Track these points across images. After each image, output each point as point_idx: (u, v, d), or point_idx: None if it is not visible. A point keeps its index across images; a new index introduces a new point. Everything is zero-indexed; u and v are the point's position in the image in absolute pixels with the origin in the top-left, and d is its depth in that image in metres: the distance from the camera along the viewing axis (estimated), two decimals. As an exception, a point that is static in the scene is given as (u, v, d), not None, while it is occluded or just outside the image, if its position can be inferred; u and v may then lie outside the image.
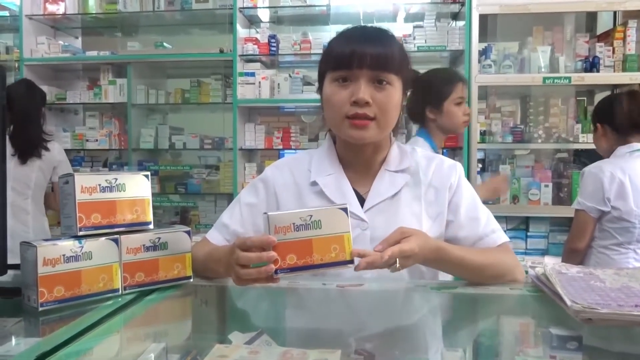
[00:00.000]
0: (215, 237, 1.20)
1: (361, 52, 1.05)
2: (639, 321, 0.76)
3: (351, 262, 0.91)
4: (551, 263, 1.01)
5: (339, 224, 0.90)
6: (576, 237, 2.24)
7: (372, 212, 1.14)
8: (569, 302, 0.80)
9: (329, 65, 1.11)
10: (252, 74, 3.26)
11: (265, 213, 0.89)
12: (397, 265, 0.93)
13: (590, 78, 2.98)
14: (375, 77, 1.07)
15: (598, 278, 0.92)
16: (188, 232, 1.04)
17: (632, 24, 2.98)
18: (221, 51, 3.27)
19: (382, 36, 1.10)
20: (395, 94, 1.09)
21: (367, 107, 1.06)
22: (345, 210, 0.91)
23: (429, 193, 1.17)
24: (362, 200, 1.15)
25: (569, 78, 2.97)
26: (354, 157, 1.19)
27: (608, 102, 2.36)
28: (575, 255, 2.24)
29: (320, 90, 1.17)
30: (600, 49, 3.01)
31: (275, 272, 0.87)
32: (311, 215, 0.89)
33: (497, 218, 1.20)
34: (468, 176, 2.96)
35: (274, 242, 0.86)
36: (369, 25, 1.16)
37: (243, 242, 0.89)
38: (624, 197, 2.13)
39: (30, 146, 2.67)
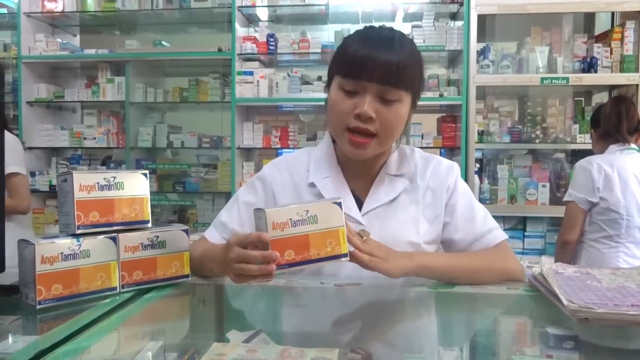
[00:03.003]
0: (214, 235, 1.20)
1: (372, 64, 1.00)
2: (635, 321, 0.76)
3: (346, 255, 0.93)
4: (548, 263, 1.01)
5: (334, 218, 0.91)
6: (567, 229, 2.29)
7: (369, 216, 1.13)
8: (565, 302, 0.80)
9: (339, 69, 1.07)
10: (251, 73, 3.25)
11: (261, 209, 0.89)
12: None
13: (588, 79, 2.99)
14: (382, 92, 1.03)
15: (595, 278, 0.92)
16: (186, 231, 1.04)
17: (630, 24, 2.99)
18: (220, 50, 3.27)
19: (397, 45, 1.03)
20: (402, 110, 1.06)
21: (369, 122, 1.03)
22: (339, 204, 0.92)
23: (426, 196, 1.17)
24: (360, 204, 1.15)
25: (567, 78, 2.98)
26: (353, 160, 1.17)
27: (598, 108, 2.43)
28: (567, 248, 2.29)
29: (327, 88, 1.14)
30: (598, 50, 3.02)
31: None
32: (307, 211, 0.89)
33: (494, 218, 1.20)
34: (466, 176, 2.96)
35: (268, 241, 0.86)
36: (386, 27, 1.09)
37: (241, 240, 0.89)
38: (611, 188, 2.19)
39: None
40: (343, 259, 0.92)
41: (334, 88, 1.08)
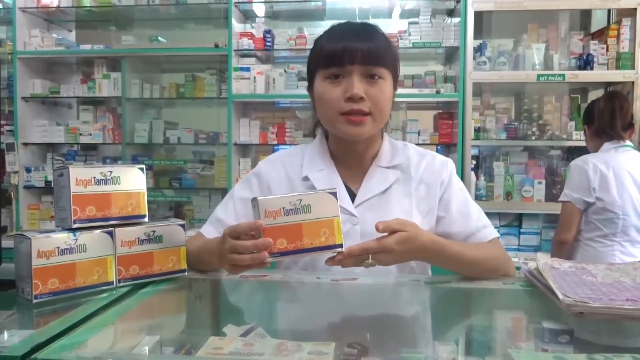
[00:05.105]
0: (210, 231, 1.20)
1: (352, 48, 1.06)
2: (630, 315, 0.77)
3: (340, 246, 0.92)
4: (544, 258, 1.02)
5: (328, 208, 0.91)
6: (563, 229, 2.29)
7: (362, 208, 1.14)
8: (561, 296, 0.81)
9: (319, 63, 1.11)
10: (247, 69, 3.25)
11: (254, 198, 0.89)
12: (370, 261, 0.93)
13: (584, 76, 3.00)
14: (367, 72, 1.07)
15: (590, 273, 0.93)
16: (183, 226, 1.04)
17: (626, 22, 2.99)
18: (216, 46, 3.26)
19: (371, 31, 1.11)
20: (387, 87, 1.10)
21: (361, 102, 1.07)
22: (334, 194, 0.92)
23: (419, 189, 1.18)
24: (352, 196, 1.16)
25: (563, 75, 2.98)
26: (345, 152, 1.19)
27: (591, 105, 2.43)
28: (563, 247, 2.30)
29: (310, 88, 1.18)
30: (594, 47, 3.02)
31: None
32: (301, 200, 0.89)
33: (491, 215, 1.21)
34: (462, 173, 2.97)
35: (262, 226, 0.87)
36: (356, 22, 1.16)
37: (234, 230, 0.90)
38: (607, 188, 2.19)
39: None
40: (338, 249, 0.92)
41: (319, 82, 1.11)
